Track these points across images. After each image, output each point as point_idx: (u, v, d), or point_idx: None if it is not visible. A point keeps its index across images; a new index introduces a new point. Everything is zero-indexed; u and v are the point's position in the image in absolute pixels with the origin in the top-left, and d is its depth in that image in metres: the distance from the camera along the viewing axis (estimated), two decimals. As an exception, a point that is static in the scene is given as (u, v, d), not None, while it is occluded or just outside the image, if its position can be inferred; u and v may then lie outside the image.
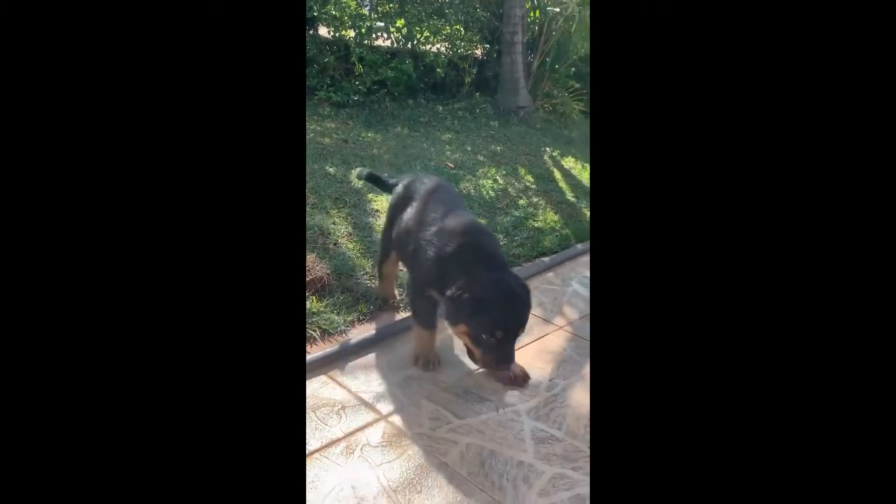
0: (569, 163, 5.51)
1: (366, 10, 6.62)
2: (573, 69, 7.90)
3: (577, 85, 7.64)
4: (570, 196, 4.55)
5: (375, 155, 4.81)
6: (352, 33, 6.29)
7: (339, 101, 6.08)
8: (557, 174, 5.10)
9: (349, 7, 6.26)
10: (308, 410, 2.05)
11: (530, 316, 2.74)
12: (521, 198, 4.37)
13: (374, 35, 6.54)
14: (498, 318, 2.04)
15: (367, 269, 2.98)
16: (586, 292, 3.10)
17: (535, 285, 3.01)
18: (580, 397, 2.25)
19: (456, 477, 1.81)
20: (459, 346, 2.51)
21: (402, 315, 2.69)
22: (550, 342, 2.62)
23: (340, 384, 2.22)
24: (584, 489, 1.81)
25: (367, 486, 1.75)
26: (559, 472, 1.87)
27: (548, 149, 5.87)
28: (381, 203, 3.80)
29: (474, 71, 7.35)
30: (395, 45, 6.80)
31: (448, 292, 2.08)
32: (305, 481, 1.69)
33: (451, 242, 2.16)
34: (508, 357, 2.08)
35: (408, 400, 2.16)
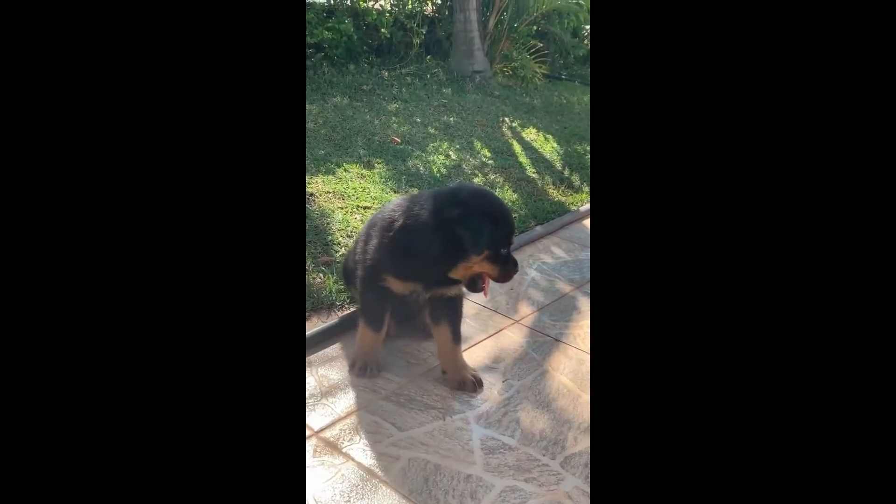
0: (530, 134, 5.54)
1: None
2: (535, 27, 7.90)
3: (540, 45, 7.65)
4: (530, 172, 4.58)
5: (311, 129, 4.75)
6: (282, -11, 6.18)
7: (270, 68, 5.98)
8: (517, 147, 5.12)
9: (277, -41, 6.14)
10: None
11: (482, 310, 2.80)
12: (476, 175, 4.38)
13: (307, -9, 6.45)
14: (510, 226, 2.17)
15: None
16: (545, 281, 3.14)
17: (488, 275, 3.02)
18: (536, 399, 2.28)
19: (396, 497, 1.83)
20: (400, 349, 2.52)
21: (333, 318, 2.69)
22: (505, 338, 2.65)
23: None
24: (537, 502, 1.84)
25: (295, 511, 1.75)
26: (511, 485, 1.90)
27: (507, 119, 5.88)
28: (316, 185, 3.77)
29: (424, 31, 7.28)
30: (333, 1, 6.70)
31: (453, 226, 2.04)
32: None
33: (402, 219, 2.15)
34: (515, 260, 2.20)
35: (343, 412, 2.17)
